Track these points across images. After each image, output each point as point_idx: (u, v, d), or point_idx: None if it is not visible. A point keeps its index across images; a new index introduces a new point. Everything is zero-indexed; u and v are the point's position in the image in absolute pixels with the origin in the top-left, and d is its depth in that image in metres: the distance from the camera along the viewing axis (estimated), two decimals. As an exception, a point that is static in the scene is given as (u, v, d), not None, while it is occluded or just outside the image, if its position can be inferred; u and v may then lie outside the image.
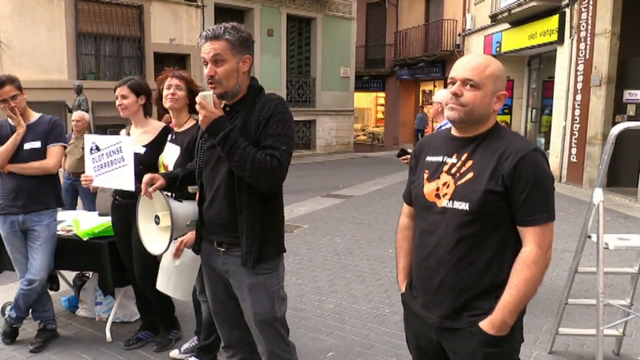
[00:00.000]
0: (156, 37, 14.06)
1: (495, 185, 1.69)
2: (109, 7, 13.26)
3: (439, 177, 1.81)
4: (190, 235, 2.68)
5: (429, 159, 1.89)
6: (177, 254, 2.82)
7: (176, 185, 2.46)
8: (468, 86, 1.74)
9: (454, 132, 1.87)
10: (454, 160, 1.80)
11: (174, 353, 3.45)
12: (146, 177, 2.34)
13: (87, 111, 11.21)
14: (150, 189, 2.33)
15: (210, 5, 15.17)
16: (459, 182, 1.75)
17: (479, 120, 1.78)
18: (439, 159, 1.84)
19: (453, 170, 1.78)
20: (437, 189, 1.80)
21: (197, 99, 2.10)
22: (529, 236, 1.71)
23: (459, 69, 1.77)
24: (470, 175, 1.74)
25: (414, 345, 2.00)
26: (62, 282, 4.24)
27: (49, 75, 12.00)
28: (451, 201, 1.75)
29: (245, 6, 16.15)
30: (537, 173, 1.69)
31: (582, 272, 3.50)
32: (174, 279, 2.96)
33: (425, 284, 1.85)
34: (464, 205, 1.72)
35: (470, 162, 1.76)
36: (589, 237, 3.30)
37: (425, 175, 1.86)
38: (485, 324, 1.72)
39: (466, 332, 1.76)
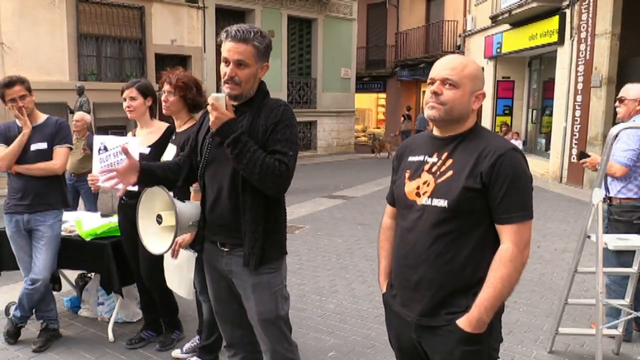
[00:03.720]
0: (157, 39, 14.08)
1: (473, 182, 1.72)
2: (110, 8, 13.29)
3: (419, 176, 1.84)
4: (187, 236, 2.72)
5: (410, 159, 1.92)
6: (175, 254, 2.86)
7: (178, 184, 2.45)
8: (447, 85, 1.78)
9: (435, 132, 1.90)
10: (434, 159, 1.83)
11: (176, 353, 3.47)
12: (125, 164, 2.21)
13: (88, 112, 11.23)
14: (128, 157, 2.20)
15: (212, 6, 15.19)
16: (439, 180, 1.78)
17: (459, 119, 1.81)
18: (420, 158, 1.88)
19: (434, 169, 1.81)
20: (418, 188, 1.83)
21: (209, 99, 2.11)
22: (506, 234, 1.73)
23: (439, 69, 1.81)
24: (450, 173, 1.77)
25: (396, 345, 2.02)
26: (64, 283, 4.27)
27: (50, 77, 12.03)
28: (430, 199, 1.78)
29: (246, 7, 16.17)
30: (515, 171, 1.72)
31: (582, 272, 3.52)
32: (176, 278, 3.04)
33: (404, 281, 1.87)
34: (442, 203, 1.75)
35: (450, 161, 1.79)
36: (589, 237, 3.31)
37: (407, 175, 1.89)
38: (462, 322, 1.74)
39: (444, 330, 1.78)
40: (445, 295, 1.78)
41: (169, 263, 3.05)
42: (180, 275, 3.03)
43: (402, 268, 1.89)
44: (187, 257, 2.94)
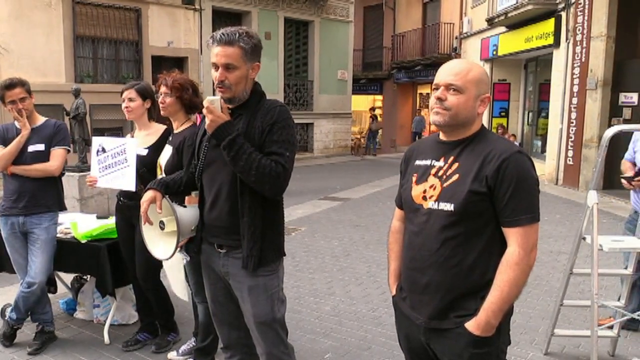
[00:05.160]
0: (154, 40, 14.07)
1: (479, 186, 1.72)
2: (107, 10, 13.27)
3: (426, 180, 1.85)
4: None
5: (417, 162, 1.93)
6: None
7: (180, 190, 2.47)
8: (452, 90, 1.79)
9: (441, 136, 1.91)
10: (441, 163, 1.84)
11: (172, 355, 3.47)
12: (144, 205, 2.26)
13: (85, 114, 11.17)
14: (157, 209, 2.27)
15: (208, 8, 15.20)
16: (445, 184, 1.79)
17: (464, 124, 1.82)
18: (427, 162, 1.89)
19: (440, 173, 1.82)
20: (424, 191, 1.84)
21: (205, 103, 2.12)
22: (512, 237, 1.74)
23: (443, 75, 1.82)
24: (456, 177, 1.78)
25: (405, 346, 2.03)
26: (60, 285, 4.25)
27: (46, 79, 11.99)
28: (437, 202, 1.79)
29: (243, 9, 16.18)
30: (520, 174, 1.72)
31: (577, 273, 3.53)
32: (169, 278, 3.05)
33: (413, 284, 1.89)
34: (448, 207, 1.76)
35: (456, 165, 1.80)
36: (584, 238, 3.33)
37: (414, 179, 1.90)
38: (471, 325, 1.75)
39: (453, 332, 1.79)
40: (454, 298, 1.80)
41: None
42: (172, 275, 3.05)
43: (410, 271, 1.90)
44: (177, 258, 2.94)
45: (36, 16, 12.01)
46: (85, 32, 12.95)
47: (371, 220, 7.93)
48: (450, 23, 18.97)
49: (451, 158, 1.83)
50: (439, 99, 1.80)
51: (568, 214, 8.36)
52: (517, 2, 12.40)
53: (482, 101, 1.82)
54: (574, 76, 10.93)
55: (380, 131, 23.65)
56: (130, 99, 3.36)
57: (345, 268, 5.55)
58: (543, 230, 7.11)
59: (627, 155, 4.05)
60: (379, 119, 22.47)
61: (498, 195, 1.72)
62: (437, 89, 1.82)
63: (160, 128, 3.46)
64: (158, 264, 3.32)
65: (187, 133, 3.01)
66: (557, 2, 11.48)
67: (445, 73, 1.82)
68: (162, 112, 3.21)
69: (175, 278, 3.09)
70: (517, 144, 13.78)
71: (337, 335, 3.85)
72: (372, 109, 22.24)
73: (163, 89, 3.14)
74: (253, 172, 2.09)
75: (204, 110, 2.12)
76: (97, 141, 3.47)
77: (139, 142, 3.38)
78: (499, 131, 14.37)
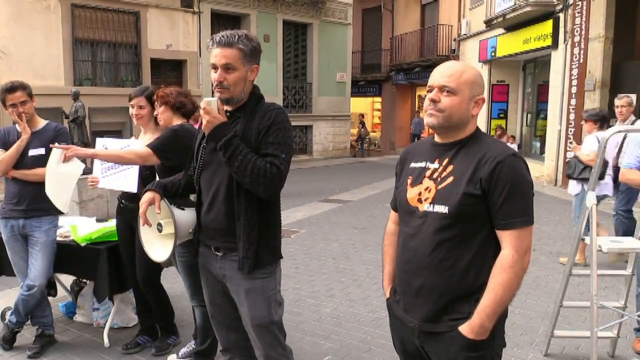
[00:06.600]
0: (153, 43, 14.09)
1: (473, 188, 1.72)
2: (106, 13, 13.29)
3: (421, 182, 1.85)
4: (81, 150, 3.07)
5: (412, 165, 1.93)
6: (65, 159, 3.00)
7: (179, 193, 2.48)
8: (445, 92, 1.78)
9: (436, 138, 1.91)
10: (435, 165, 1.84)
11: (172, 357, 3.47)
12: (143, 206, 2.29)
13: (84, 117, 11.17)
14: (156, 210, 2.30)
15: (207, 11, 15.22)
16: (440, 187, 1.79)
17: (458, 125, 1.82)
18: (422, 164, 1.88)
19: (435, 175, 1.82)
20: (419, 194, 1.84)
21: (202, 104, 2.14)
22: (506, 240, 1.73)
23: (436, 77, 1.82)
24: (450, 179, 1.78)
25: (400, 349, 2.03)
26: (59, 288, 4.25)
27: (45, 82, 12.00)
28: (432, 205, 1.79)
29: (241, 12, 16.20)
30: (515, 177, 1.72)
31: (577, 274, 3.53)
32: (55, 186, 3.13)
33: (407, 287, 1.88)
34: (443, 209, 1.76)
35: (451, 167, 1.80)
36: (583, 239, 3.33)
37: (409, 181, 1.90)
38: (465, 329, 1.74)
39: (447, 336, 1.79)
40: (448, 301, 1.79)
41: (51, 169, 3.08)
42: (60, 184, 3.12)
43: (404, 274, 1.90)
44: (71, 172, 2.99)
45: (35, 19, 12.03)
46: (84, 35, 12.97)
47: (370, 222, 7.94)
48: (449, 25, 18.99)
49: (446, 160, 1.82)
50: (433, 101, 1.80)
51: (567, 215, 8.35)
52: (515, 4, 12.42)
53: (477, 103, 1.82)
54: (572, 77, 10.95)
55: (372, 135, 24.26)
56: (141, 107, 3.38)
57: (344, 270, 5.55)
58: (542, 231, 7.12)
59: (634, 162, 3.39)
60: (366, 126, 23.30)
61: (492, 198, 1.72)
62: (431, 90, 1.82)
63: None
64: (158, 267, 3.33)
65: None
66: (555, 3, 11.51)
67: (439, 75, 1.82)
68: (160, 124, 3.29)
69: (62, 191, 3.09)
70: (516, 145, 13.88)
71: (337, 338, 3.85)
72: (362, 116, 23.02)
73: (156, 104, 3.25)
74: (248, 172, 2.11)
75: (201, 112, 2.14)
76: (100, 142, 3.49)
77: (142, 144, 3.39)
78: (498, 133, 14.37)
